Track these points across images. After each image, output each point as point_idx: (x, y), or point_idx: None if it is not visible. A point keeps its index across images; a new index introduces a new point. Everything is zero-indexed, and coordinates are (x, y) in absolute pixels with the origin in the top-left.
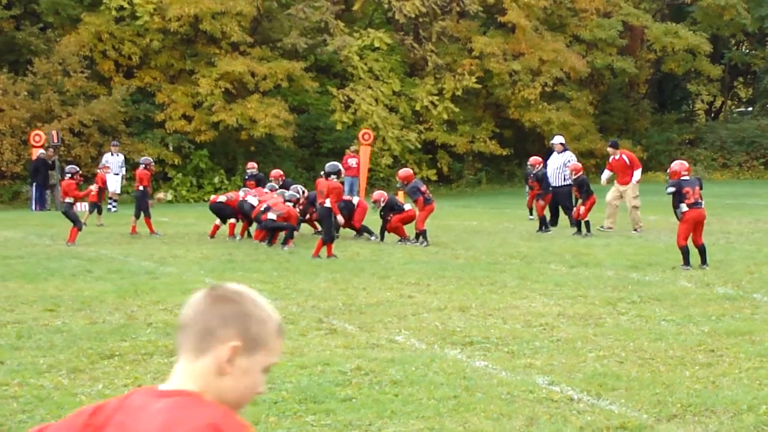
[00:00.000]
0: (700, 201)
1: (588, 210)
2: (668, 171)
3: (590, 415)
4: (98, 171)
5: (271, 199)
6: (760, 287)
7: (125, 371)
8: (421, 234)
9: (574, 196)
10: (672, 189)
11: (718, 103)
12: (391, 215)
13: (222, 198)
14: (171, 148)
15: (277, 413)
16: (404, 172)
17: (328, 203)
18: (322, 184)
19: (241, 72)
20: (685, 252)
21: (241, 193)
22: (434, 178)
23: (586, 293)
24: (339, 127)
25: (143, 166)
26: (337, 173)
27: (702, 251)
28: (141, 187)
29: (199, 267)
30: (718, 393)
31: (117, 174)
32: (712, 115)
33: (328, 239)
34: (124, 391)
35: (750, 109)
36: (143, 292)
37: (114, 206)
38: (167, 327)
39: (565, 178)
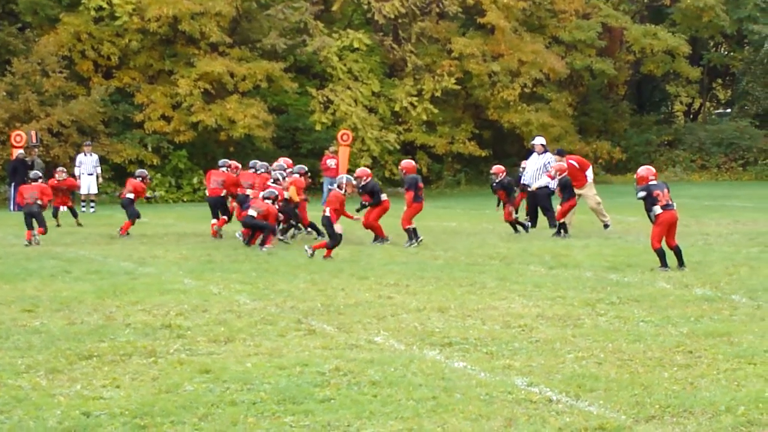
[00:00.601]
0: (671, 203)
1: (566, 212)
2: (635, 177)
3: (569, 416)
4: (56, 177)
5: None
6: (738, 288)
7: (104, 372)
8: (408, 232)
9: (552, 198)
10: (643, 193)
11: (696, 105)
12: (367, 205)
13: (223, 192)
14: (150, 149)
15: (255, 414)
16: (408, 162)
17: (327, 211)
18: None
19: (220, 72)
20: (661, 254)
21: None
22: None
23: (565, 294)
24: (318, 127)
25: (140, 178)
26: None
27: (677, 253)
28: (131, 196)
29: (178, 267)
30: (696, 394)
31: (91, 174)
32: (691, 116)
33: (333, 245)
34: (102, 392)
35: (728, 110)
36: (122, 292)
37: (92, 207)
38: (146, 328)
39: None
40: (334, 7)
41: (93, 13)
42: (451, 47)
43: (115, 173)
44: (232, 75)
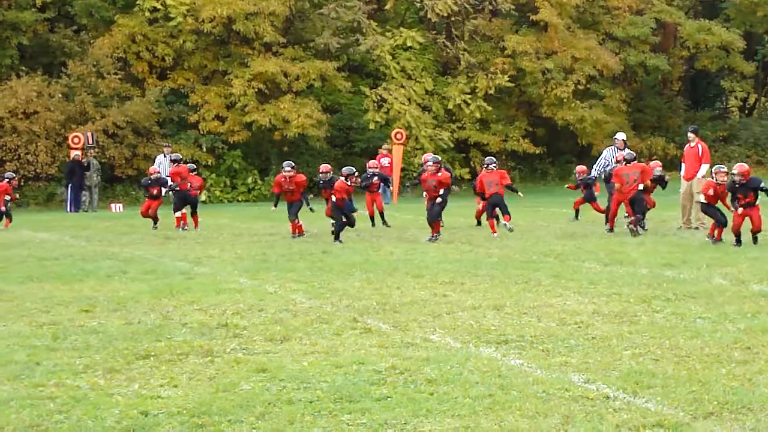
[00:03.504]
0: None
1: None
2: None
3: (626, 413)
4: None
5: None
6: None
7: (161, 371)
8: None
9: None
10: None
11: (752, 100)
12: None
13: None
14: (204, 149)
15: (312, 413)
16: (581, 167)
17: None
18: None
19: (273, 72)
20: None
21: None
22: (467, 176)
23: (621, 291)
24: (372, 126)
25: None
26: None
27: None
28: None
29: (234, 267)
30: (754, 390)
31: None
32: (746, 111)
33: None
34: (160, 392)
35: None
36: (178, 292)
37: None
38: (202, 327)
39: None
40: (387, 6)
41: (147, 14)
42: (504, 45)
43: None
44: (285, 75)
